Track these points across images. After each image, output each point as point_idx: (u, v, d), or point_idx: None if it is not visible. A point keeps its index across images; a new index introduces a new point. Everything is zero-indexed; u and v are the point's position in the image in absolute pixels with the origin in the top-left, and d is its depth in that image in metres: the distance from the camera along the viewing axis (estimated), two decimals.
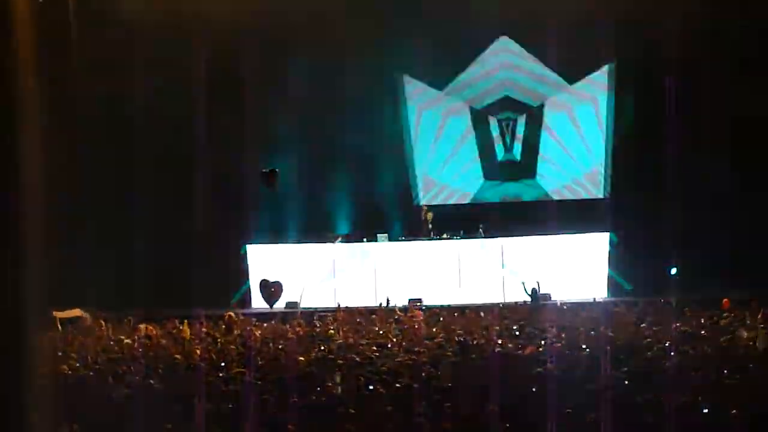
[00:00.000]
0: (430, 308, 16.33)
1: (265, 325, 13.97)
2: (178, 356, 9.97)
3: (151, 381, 9.04)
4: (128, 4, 19.84)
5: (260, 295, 19.80)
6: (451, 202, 21.50)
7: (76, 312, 15.27)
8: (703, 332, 11.00)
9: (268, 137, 20.53)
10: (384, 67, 21.04)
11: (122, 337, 12.54)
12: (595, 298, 16.96)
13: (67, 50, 19.24)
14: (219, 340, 12.09)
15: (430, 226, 20.24)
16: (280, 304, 19.41)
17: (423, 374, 9.12)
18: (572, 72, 20.96)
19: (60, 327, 13.85)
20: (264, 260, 20.23)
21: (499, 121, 21.38)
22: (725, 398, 8.10)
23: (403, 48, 20.78)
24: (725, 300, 14.59)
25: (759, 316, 12.11)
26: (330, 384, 9.00)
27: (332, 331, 12.58)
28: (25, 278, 3.69)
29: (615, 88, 20.77)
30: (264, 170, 17.44)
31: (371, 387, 8.84)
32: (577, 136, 21.12)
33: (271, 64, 20.13)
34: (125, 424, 7.93)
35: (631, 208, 19.80)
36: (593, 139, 21.02)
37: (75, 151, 19.16)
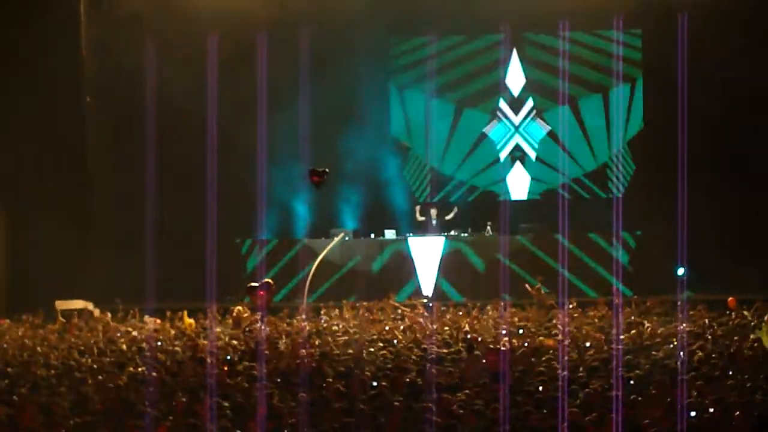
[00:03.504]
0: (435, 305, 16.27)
1: (271, 319, 13.90)
2: (178, 349, 9.96)
3: (155, 373, 9.05)
4: None
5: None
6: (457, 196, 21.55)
7: (79, 303, 15.25)
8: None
9: (278, 136, 20.54)
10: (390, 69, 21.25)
11: (129, 329, 12.56)
12: None
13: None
14: (226, 334, 12.08)
15: (434, 222, 20.19)
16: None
17: (429, 370, 9.12)
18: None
19: (62, 318, 13.85)
20: (272, 255, 20.20)
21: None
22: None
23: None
24: (730, 299, 14.35)
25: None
26: (334, 380, 8.99)
27: (336, 327, 12.58)
28: None
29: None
30: (312, 168, 17.27)
31: (375, 384, 8.83)
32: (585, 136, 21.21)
33: (277, 61, 20.13)
34: (129, 415, 7.95)
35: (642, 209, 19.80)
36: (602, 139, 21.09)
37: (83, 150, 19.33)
